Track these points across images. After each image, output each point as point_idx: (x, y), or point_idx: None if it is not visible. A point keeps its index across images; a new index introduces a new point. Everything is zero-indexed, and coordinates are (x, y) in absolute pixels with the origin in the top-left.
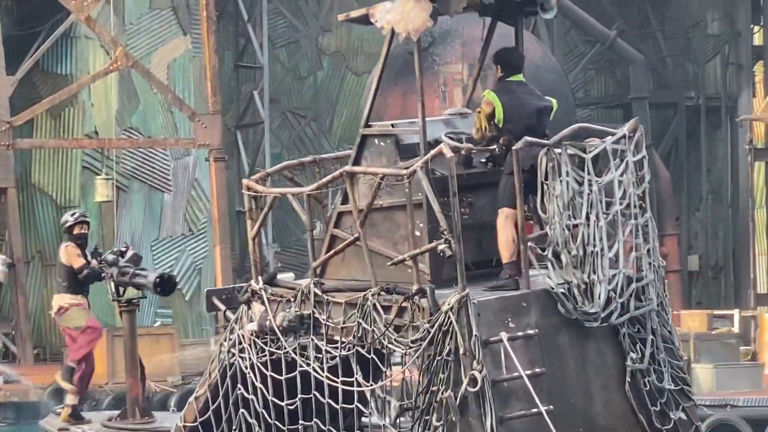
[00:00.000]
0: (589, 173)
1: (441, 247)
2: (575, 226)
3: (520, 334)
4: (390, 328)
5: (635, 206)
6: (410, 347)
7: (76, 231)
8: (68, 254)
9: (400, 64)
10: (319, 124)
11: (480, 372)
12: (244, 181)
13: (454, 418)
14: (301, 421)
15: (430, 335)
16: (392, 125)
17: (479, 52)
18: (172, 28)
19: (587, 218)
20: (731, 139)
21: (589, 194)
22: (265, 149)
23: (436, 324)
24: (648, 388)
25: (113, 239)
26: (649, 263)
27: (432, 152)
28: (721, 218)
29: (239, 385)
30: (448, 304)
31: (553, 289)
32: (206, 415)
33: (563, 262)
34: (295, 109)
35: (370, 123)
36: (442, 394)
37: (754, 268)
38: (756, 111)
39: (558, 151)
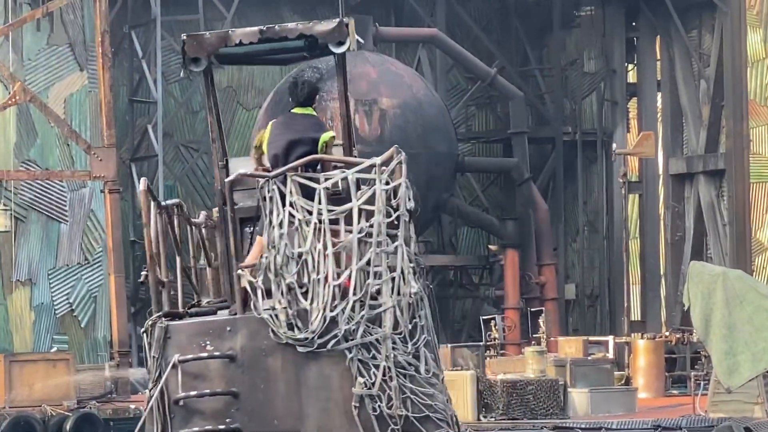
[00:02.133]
0: (320, 203)
1: (143, 273)
2: (300, 254)
3: (216, 354)
4: None
5: (379, 234)
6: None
7: None
8: None
9: (288, 99)
10: (211, 157)
11: (150, 391)
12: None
13: None
14: None
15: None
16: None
17: (365, 88)
18: (69, 63)
19: (312, 247)
20: (606, 172)
21: (316, 224)
22: (158, 181)
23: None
24: (378, 413)
25: (11, 268)
26: (396, 291)
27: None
28: (597, 249)
29: None
30: (144, 328)
31: (260, 315)
32: None
33: (273, 289)
34: (188, 142)
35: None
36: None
37: (628, 296)
38: (630, 145)
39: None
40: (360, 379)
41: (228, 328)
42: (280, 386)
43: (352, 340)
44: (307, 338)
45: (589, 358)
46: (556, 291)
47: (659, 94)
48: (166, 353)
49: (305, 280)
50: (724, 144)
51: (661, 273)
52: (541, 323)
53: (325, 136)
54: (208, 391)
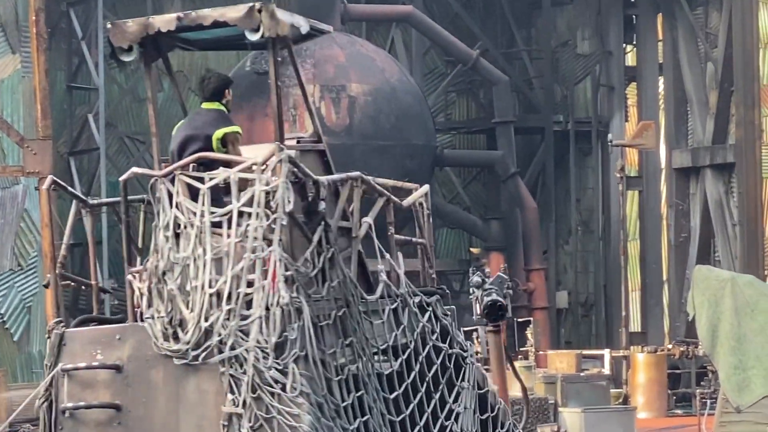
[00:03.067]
0: (204, 204)
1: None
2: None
3: (100, 364)
4: None
5: (256, 239)
6: None
7: None
8: None
9: (246, 86)
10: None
11: (39, 399)
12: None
13: None
14: None
15: None
16: None
17: (332, 72)
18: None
19: (193, 251)
20: (602, 166)
21: (199, 226)
22: (100, 177)
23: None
24: None
25: None
26: (274, 301)
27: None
28: (592, 251)
29: None
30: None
31: (142, 323)
32: None
33: (154, 296)
34: (134, 134)
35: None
36: None
37: (626, 304)
38: (628, 136)
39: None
40: (229, 396)
41: (117, 337)
42: (160, 400)
43: (221, 353)
44: (181, 350)
45: (582, 374)
46: (546, 299)
47: (661, 79)
48: (59, 361)
49: (188, 286)
50: (733, 134)
51: (664, 279)
52: (529, 335)
53: (218, 133)
54: (93, 402)
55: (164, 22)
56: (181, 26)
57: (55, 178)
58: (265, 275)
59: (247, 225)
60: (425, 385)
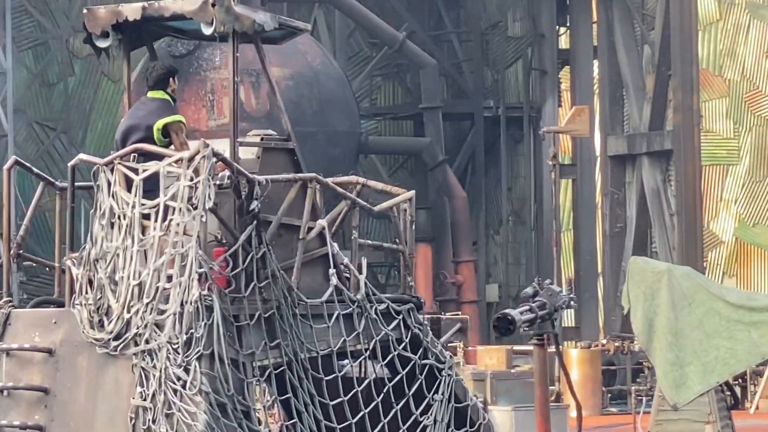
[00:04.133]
0: (136, 195)
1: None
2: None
3: (38, 346)
4: None
5: (178, 234)
6: None
7: None
8: None
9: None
10: (70, 137)
11: None
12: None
13: None
14: None
15: None
16: None
17: (251, 56)
18: None
19: (123, 242)
20: (534, 153)
21: (130, 217)
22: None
23: None
24: (146, 426)
25: None
26: (192, 297)
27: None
28: (524, 242)
29: None
30: None
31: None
32: None
33: (84, 283)
34: (44, 120)
35: None
36: None
37: None
38: (561, 122)
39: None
40: (138, 389)
41: (54, 321)
42: (82, 387)
43: (136, 346)
44: (103, 339)
45: (513, 371)
46: (476, 292)
47: (596, 63)
48: (2, 340)
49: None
50: (671, 120)
51: (598, 270)
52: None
53: (158, 123)
54: (24, 384)
55: (132, 10)
56: (147, 16)
57: (18, 159)
58: (182, 271)
59: (170, 219)
60: (382, 394)
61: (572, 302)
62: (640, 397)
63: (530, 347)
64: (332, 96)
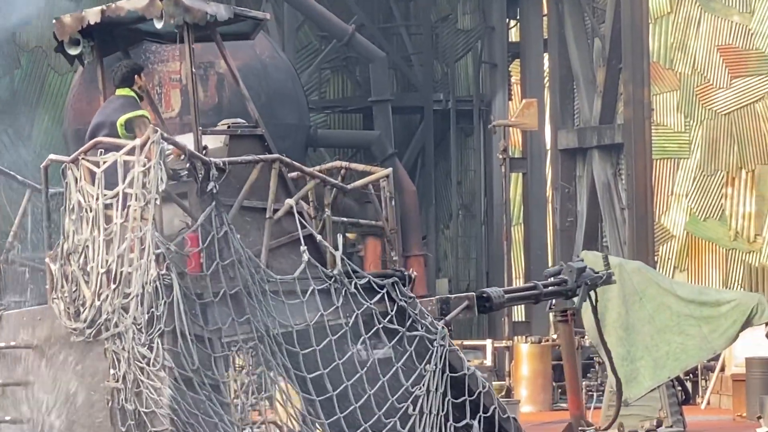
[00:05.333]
0: (99, 187)
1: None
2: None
3: (21, 344)
4: None
5: (136, 219)
6: None
7: None
8: None
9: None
10: (16, 131)
11: None
12: None
13: None
14: None
15: None
16: None
17: (199, 47)
18: None
19: (91, 233)
20: (484, 147)
21: (95, 209)
22: None
23: None
24: (120, 407)
25: None
26: (150, 277)
27: None
28: (474, 236)
29: None
30: None
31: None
32: None
33: (58, 277)
34: None
35: None
36: None
37: None
38: (512, 116)
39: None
40: (111, 371)
41: (38, 318)
42: (65, 378)
43: (107, 330)
44: (78, 328)
45: None
46: (426, 287)
47: (546, 56)
48: None
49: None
50: (622, 114)
51: (549, 265)
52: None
53: (120, 119)
54: (10, 380)
55: (93, 14)
56: (106, 18)
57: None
58: (142, 254)
59: (128, 206)
60: (365, 367)
61: (612, 277)
62: (590, 393)
63: (482, 342)
64: (281, 89)
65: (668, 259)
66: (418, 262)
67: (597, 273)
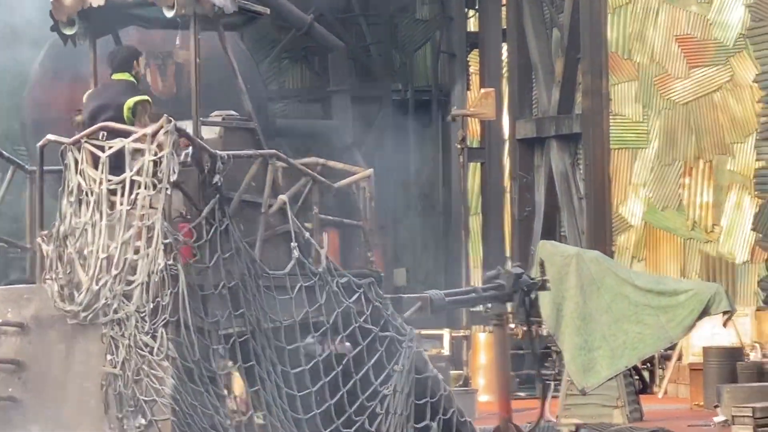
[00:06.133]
0: (103, 172)
1: None
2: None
3: (10, 321)
4: None
5: (144, 208)
6: None
7: None
8: None
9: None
10: None
11: None
12: None
13: None
14: None
15: None
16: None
17: (158, 37)
18: None
19: (91, 217)
20: (443, 137)
21: (97, 193)
22: None
23: None
24: (117, 392)
25: None
26: (158, 266)
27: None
28: (432, 226)
29: None
30: None
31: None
32: None
33: (54, 258)
34: None
35: None
36: None
37: (468, 282)
38: (470, 105)
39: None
40: (108, 357)
41: (25, 296)
42: (55, 358)
43: (106, 316)
44: (73, 310)
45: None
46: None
47: (505, 46)
48: None
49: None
50: (580, 104)
51: (507, 255)
52: None
53: (129, 102)
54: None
55: None
56: (111, 3)
57: None
58: (149, 242)
59: (136, 194)
60: (342, 364)
61: (546, 284)
62: (548, 382)
63: (439, 331)
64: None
65: (626, 248)
66: (376, 252)
67: (533, 279)
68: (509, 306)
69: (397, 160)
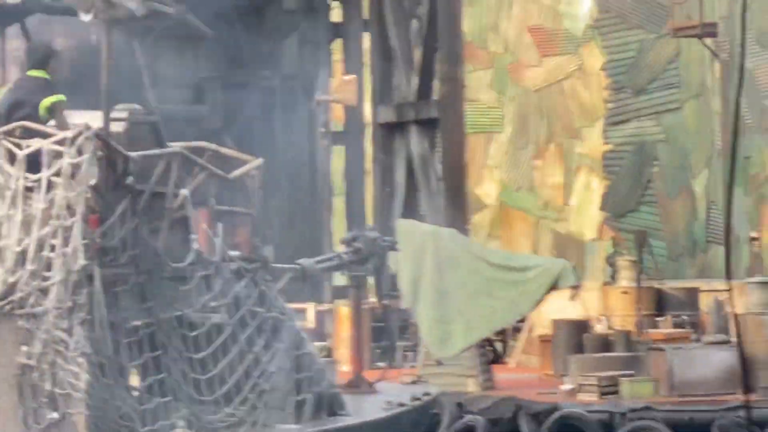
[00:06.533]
0: (20, 170)
1: None
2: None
3: None
4: None
5: (62, 208)
6: None
7: None
8: None
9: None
10: None
11: None
12: None
13: None
14: None
15: None
16: None
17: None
18: None
19: (8, 212)
20: (309, 121)
21: (14, 189)
22: None
23: None
24: (33, 384)
25: None
26: (77, 266)
27: None
28: (299, 207)
29: None
30: None
31: None
32: None
33: None
34: None
35: None
36: None
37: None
38: (333, 92)
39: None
40: (23, 348)
41: None
42: None
43: (21, 309)
44: None
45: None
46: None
47: (367, 35)
48: None
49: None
50: (438, 90)
51: None
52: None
53: (45, 101)
54: None
55: None
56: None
57: None
58: (65, 242)
59: (54, 194)
60: (237, 346)
61: (395, 246)
62: (406, 353)
63: (304, 305)
64: (115, 65)
65: (482, 227)
66: (245, 230)
67: (386, 240)
68: (366, 268)
69: (265, 144)
